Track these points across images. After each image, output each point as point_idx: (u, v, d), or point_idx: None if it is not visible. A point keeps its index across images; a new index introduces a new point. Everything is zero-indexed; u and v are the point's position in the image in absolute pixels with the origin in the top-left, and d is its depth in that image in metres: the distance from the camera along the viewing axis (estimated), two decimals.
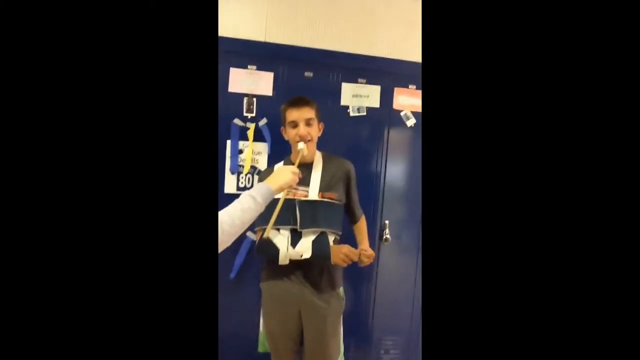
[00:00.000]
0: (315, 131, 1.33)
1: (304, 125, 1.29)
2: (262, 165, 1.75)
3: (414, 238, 1.94)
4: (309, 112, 1.30)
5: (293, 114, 1.30)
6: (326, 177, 1.33)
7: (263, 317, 1.38)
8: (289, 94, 1.74)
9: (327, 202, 1.30)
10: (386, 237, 1.87)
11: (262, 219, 1.04)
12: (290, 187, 1.09)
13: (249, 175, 1.74)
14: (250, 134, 1.72)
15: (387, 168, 1.89)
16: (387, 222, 1.88)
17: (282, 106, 1.34)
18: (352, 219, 1.46)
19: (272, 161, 1.75)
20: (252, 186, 1.74)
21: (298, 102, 1.31)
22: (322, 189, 1.31)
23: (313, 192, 1.30)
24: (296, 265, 1.28)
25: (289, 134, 1.32)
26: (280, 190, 1.04)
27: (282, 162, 1.41)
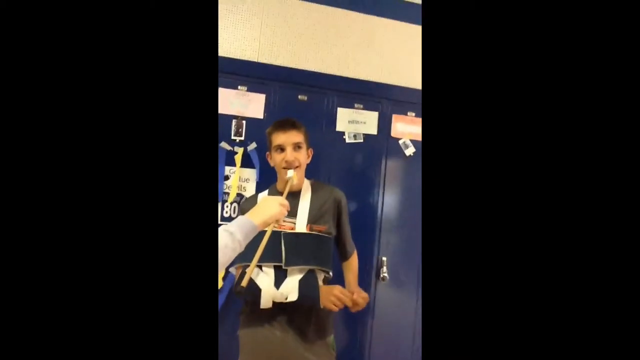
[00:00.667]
0: (304, 157, 1.20)
1: (291, 150, 1.16)
2: (250, 192, 1.60)
3: (413, 276, 1.78)
4: (297, 136, 1.18)
5: (280, 138, 1.17)
6: (315, 207, 1.19)
7: None
8: (281, 117, 1.64)
9: (316, 235, 1.16)
10: (383, 276, 1.71)
11: (242, 256, 0.87)
12: (277, 221, 0.93)
13: (235, 204, 1.59)
14: (238, 158, 1.59)
15: (384, 199, 1.76)
16: (384, 258, 1.73)
17: (268, 129, 1.23)
18: (343, 255, 1.30)
19: (260, 189, 1.61)
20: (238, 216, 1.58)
21: (285, 124, 1.19)
22: (311, 220, 1.17)
23: (300, 224, 1.16)
24: (280, 309, 1.12)
25: (275, 159, 1.19)
26: (265, 225, 0.88)
27: (266, 192, 1.27)
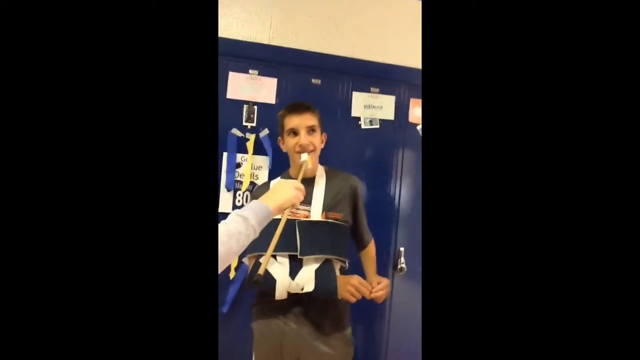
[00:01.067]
0: (318, 141, 1.15)
1: (305, 134, 1.11)
2: (262, 181, 1.54)
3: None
4: (311, 119, 1.13)
5: (293, 121, 1.13)
6: (330, 195, 1.14)
7: None
8: (293, 101, 1.58)
9: (332, 223, 1.10)
10: (401, 267, 1.64)
11: (254, 245, 0.81)
12: (293, 206, 0.87)
13: (247, 193, 1.54)
14: (250, 145, 1.53)
15: (402, 187, 1.69)
16: (402, 249, 1.66)
17: (280, 112, 1.18)
18: (360, 244, 1.25)
19: (273, 177, 1.55)
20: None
21: (298, 107, 1.14)
22: (326, 208, 1.12)
23: (315, 212, 1.11)
24: (295, 300, 1.07)
25: (288, 143, 1.15)
26: (281, 210, 0.82)
27: (279, 179, 1.22)
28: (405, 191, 1.70)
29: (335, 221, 1.11)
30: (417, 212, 1.71)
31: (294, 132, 1.12)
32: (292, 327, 1.07)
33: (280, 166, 1.54)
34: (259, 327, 1.12)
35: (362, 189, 1.21)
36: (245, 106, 1.55)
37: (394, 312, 1.67)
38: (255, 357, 1.14)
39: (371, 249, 1.26)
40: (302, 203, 1.08)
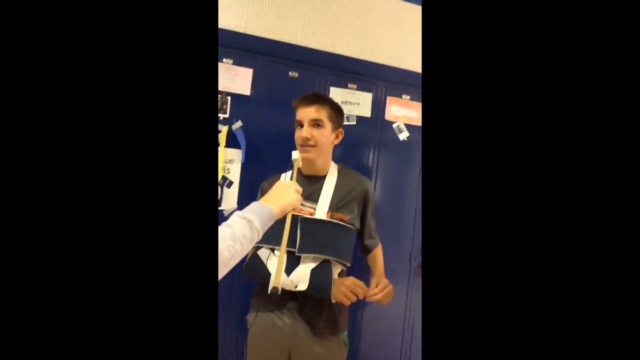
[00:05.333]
0: (325, 136, 1.10)
1: (308, 127, 1.08)
2: (235, 175, 1.49)
3: (405, 264, 1.72)
4: (316, 113, 1.08)
5: (300, 112, 1.10)
6: (339, 195, 1.10)
7: (248, 356, 1.11)
8: (269, 94, 1.53)
9: (337, 224, 1.07)
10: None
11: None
12: (294, 210, 0.84)
13: (219, 187, 1.47)
14: (222, 138, 1.47)
15: (376, 185, 1.68)
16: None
17: (293, 102, 1.14)
18: (365, 249, 1.22)
19: (246, 171, 1.50)
20: (220, 199, 1.47)
21: (307, 98, 1.11)
22: (333, 207, 1.08)
23: (321, 211, 1.07)
24: (291, 296, 1.04)
25: (296, 135, 1.11)
26: (283, 214, 0.79)
27: (289, 172, 1.15)
28: (380, 188, 1.70)
29: (340, 222, 1.07)
30: (393, 210, 1.71)
31: (301, 124, 1.09)
32: (285, 322, 1.05)
33: (254, 160, 1.49)
34: (254, 320, 1.09)
35: (373, 192, 1.18)
36: (218, 96, 1.48)
37: (368, 307, 1.66)
38: (248, 349, 1.10)
39: (378, 252, 1.22)
40: (310, 200, 1.07)
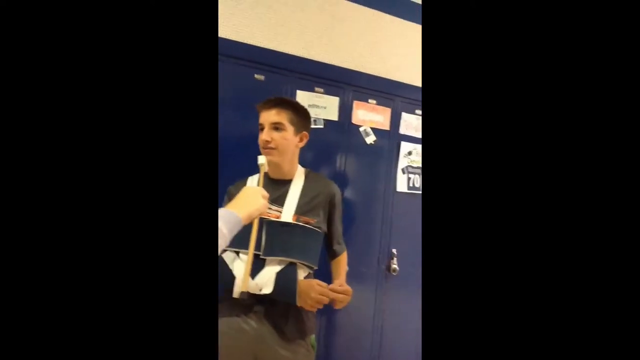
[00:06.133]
0: (286, 139, 1.09)
1: (268, 130, 1.07)
2: None
3: (372, 268, 1.74)
4: (277, 116, 1.08)
5: (262, 116, 1.10)
6: (305, 198, 1.10)
7: None
8: (234, 97, 1.50)
9: (303, 227, 1.06)
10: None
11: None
12: (260, 214, 0.84)
13: None
14: None
15: (343, 189, 1.69)
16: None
17: (257, 105, 1.14)
18: (331, 253, 1.21)
19: None
20: None
21: (268, 102, 1.11)
22: (299, 211, 1.07)
23: (287, 214, 1.06)
24: (257, 300, 1.02)
25: (258, 139, 1.11)
26: (250, 219, 0.79)
27: (256, 176, 1.14)
28: (348, 192, 1.70)
29: (307, 225, 1.06)
30: (361, 213, 1.73)
31: (262, 128, 1.09)
32: (252, 326, 1.02)
33: (220, 164, 1.45)
34: (221, 323, 1.05)
35: (340, 197, 1.18)
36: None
37: (335, 317, 1.66)
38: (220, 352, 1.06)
39: (343, 258, 1.22)
40: (275, 203, 1.06)
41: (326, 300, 1.00)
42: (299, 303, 1.01)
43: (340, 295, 1.01)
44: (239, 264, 1.03)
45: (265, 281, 1.01)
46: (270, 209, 1.06)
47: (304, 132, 1.15)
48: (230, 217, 0.72)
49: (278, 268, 1.02)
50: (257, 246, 1.01)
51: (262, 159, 1.03)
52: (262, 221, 1.03)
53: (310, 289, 1.00)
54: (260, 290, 1.00)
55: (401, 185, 1.82)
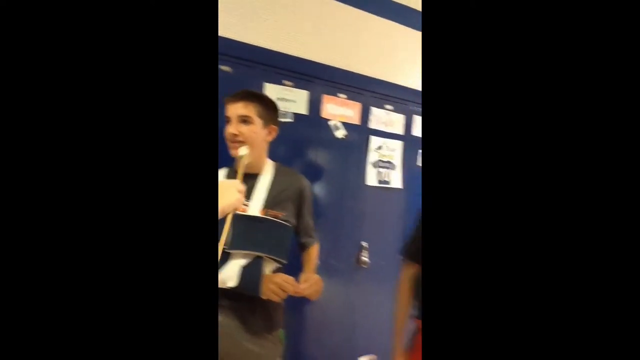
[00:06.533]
0: (255, 132, 1.07)
1: (236, 123, 1.05)
2: None
3: (345, 261, 1.74)
4: (244, 109, 1.06)
5: (229, 109, 1.07)
6: (274, 192, 1.08)
7: None
8: None
9: (271, 221, 1.04)
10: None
11: None
12: (235, 209, 0.81)
13: None
14: None
15: (314, 183, 1.68)
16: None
17: (225, 99, 1.11)
18: (302, 247, 1.21)
19: None
20: None
21: (236, 95, 1.08)
22: (268, 205, 1.06)
23: (255, 207, 1.04)
24: (223, 294, 1.00)
25: (224, 132, 1.08)
26: (223, 214, 0.77)
27: (225, 169, 1.13)
28: (317, 186, 1.70)
29: (275, 219, 1.04)
30: (332, 206, 1.72)
31: (229, 121, 1.06)
32: (219, 319, 1.00)
33: None
34: None
35: (310, 191, 1.16)
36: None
37: (306, 310, 1.65)
38: None
39: (313, 250, 1.22)
40: None
41: (289, 289, 0.98)
42: (264, 296, 1.00)
43: (304, 285, 1.00)
44: None
45: (230, 275, 0.99)
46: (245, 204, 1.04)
47: (273, 125, 1.13)
48: None
49: (243, 262, 1.01)
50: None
51: (243, 150, 1.01)
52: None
53: (275, 277, 0.99)
54: (225, 283, 0.99)
55: (371, 179, 1.83)
